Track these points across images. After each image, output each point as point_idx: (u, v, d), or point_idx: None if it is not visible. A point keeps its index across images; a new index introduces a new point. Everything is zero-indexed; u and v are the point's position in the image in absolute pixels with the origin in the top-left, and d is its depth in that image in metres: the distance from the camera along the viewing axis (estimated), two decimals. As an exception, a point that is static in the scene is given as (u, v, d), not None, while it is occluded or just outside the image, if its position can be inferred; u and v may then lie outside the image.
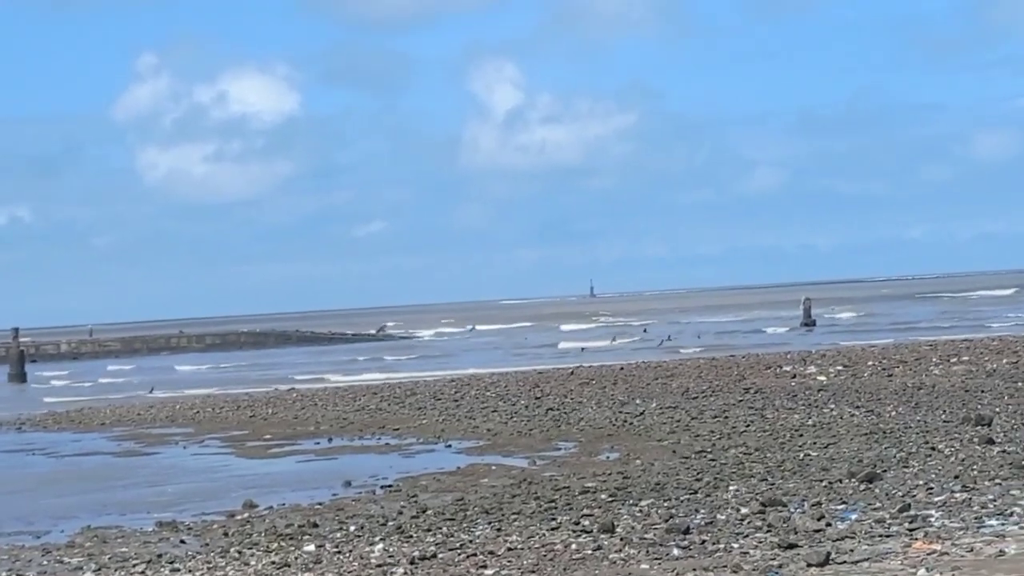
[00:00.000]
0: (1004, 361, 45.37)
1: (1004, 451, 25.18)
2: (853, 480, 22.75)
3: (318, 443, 36.66)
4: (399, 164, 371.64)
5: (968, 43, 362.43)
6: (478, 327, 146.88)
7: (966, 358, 47.60)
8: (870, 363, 47.72)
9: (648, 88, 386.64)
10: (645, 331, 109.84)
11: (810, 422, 32.54)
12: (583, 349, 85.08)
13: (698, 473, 25.31)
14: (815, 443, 28.59)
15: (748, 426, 32.68)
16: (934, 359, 47.82)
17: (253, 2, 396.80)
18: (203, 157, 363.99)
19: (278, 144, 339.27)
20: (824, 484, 22.77)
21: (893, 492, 21.41)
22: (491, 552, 18.65)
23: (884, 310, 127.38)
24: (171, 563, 19.76)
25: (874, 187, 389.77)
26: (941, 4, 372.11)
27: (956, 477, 22.33)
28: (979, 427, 29.02)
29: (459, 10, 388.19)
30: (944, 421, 30.78)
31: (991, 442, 26.44)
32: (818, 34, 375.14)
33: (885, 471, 23.64)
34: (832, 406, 35.60)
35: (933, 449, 26.21)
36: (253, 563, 19.24)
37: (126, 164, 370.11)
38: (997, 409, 32.05)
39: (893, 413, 33.15)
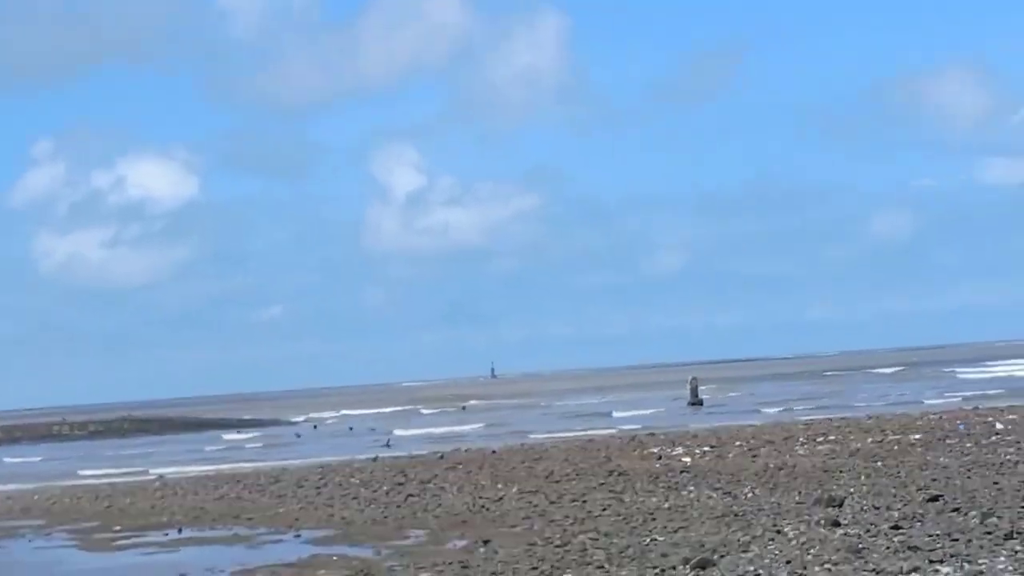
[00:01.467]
0: (869, 440, 45.22)
1: (846, 534, 24.76)
2: (686, 567, 22.22)
3: (167, 534, 35.67)
4: (301, 248, 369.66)
5: (869, 125, 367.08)
6: (347, 412, 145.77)
7: (832, 437, 47.43)
8: (738, 443, 47.43)
9: (551, 171, 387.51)
10: (464, 408, 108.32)
11: (666, 505, 32.07)
12: (388, 440, 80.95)
13: (539, 561, 24.71)
14: (665, 527, 28.08)
15: (604, 510, 32.14)
16: (801, 439, 47.61)
17: (153, 87, 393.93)
18: (100, 243, 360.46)
19: (177, 229, 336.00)
20: (657, 571, 22.22)
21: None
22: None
23: (772, 389, 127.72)
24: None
25: (776, 267, 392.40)
26: (843, 87, 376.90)
27: (788, 562, 21.87)
28: (830, 508, 28.66)
29: (362, 95, 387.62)
30: (797, 502, 30.40)
31: (836, 524, 26.05)
32: (722, 118, 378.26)
33: (723, 556, 23.13)
34: (692, 488, 35.16)
35: (779, 532, 25.76)
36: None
37: (20, 252, 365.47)
38: (852, 490, 31.73)
39: (750, 495, 32.74)
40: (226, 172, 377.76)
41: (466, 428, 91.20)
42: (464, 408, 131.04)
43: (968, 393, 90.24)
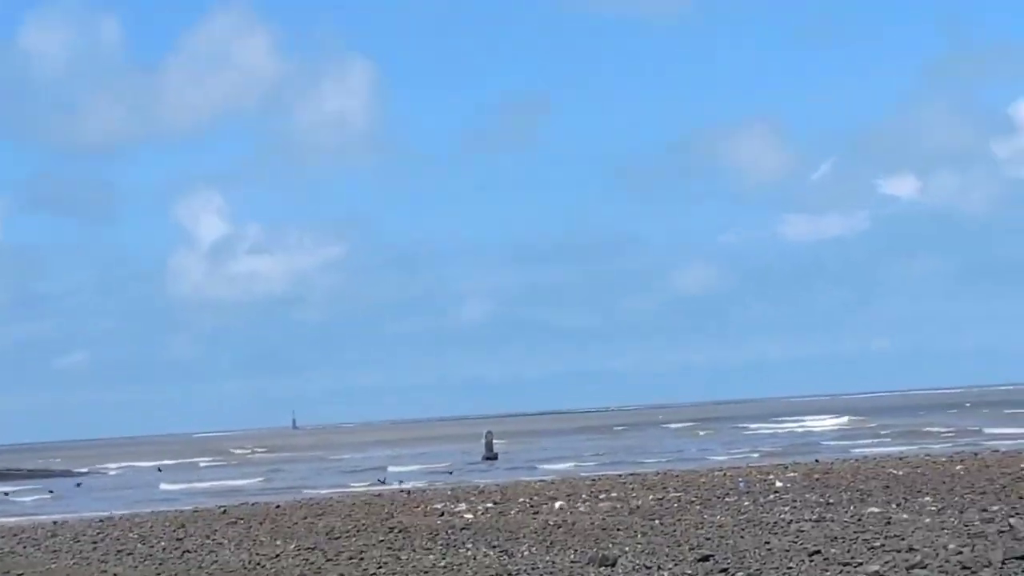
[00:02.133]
0: (651, 497, 45.52)
1: (615, 594, 24.80)
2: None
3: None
4: (103, 294, 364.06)
5: (674, 179, 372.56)
6: (133, 464, 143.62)
7: (615, 494, 47.67)
8: (521, 499, 47.45)
9: (360, 219, 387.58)
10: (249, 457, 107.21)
11: (442, 563, 31.83)
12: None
13: (305, 621, 24.35)
14: (435, 589, 27.86)
15: (380, 567, 31.83)
16: (584, 495, 47.77)
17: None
18: None
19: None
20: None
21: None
22: None
23: (568, 443, 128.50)
24: None
25: (582, 318, 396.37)
26: (650, 140, 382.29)
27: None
28: (602, 568, 28.73)
29: (168, 139, 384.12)
30: (572, 561, 30.38)
31: (607, 584, 26.10)
32: (530, 168, 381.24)
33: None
34: (470, 546, 34.98)
35: (549, 593, 25.73)
36: None
37: None
38: (627, 548, 31.83)
39: (526, 553, 32.67)
40: (28, 214, 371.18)
41: (243, 482, 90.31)
42: (248, 457, 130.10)
43: (756, 449, 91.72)
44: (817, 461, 65.71)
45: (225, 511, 52.16)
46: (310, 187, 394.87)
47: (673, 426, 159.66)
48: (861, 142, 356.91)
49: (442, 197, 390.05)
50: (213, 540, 41.23)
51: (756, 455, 79.09)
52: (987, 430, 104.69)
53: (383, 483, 79.31)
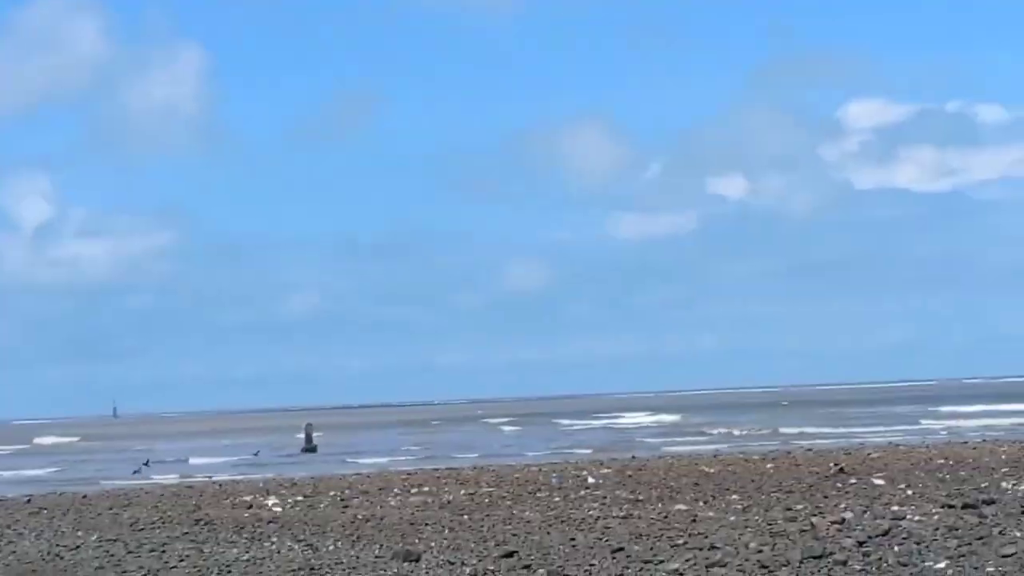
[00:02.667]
0: (463, 492, 45.32)
1: (413, 591, 24.51)
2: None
3: None
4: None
5: (505, 176, 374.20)
6: None
7: (427, 488, 47.42)
8: (332, 493, 47.00)
9: (188, 207, 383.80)
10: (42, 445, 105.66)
11: (245, 557, 31.30)
12: None
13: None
14: (237, 582, 27.35)
15: (181, 561, 31.21)
16: (396, 489, 47.47)
17: None
18: None
19: None
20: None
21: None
22: None
23: (389, 436, 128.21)
24: None
25: (409, 313, 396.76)
26: (481, 136, 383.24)
27: (344, 621, 21.49)
28: (406, 563, 28.46)
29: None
30: (376, 556, 30.06)
31: (407, 580, 25.80)
32: (360, 161, 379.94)
33: (283, 614, 22.58)
34: (275, 539, 34.48)
35: (347, 588, 25.36)
36: None
37: None
38: (432, 544, 31.58)
39: (332, 547, 32.25)
40: None
41: (41, 472, 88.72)
42: (55, 446, 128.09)
43: (575, 445, 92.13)
44: (634, 458, 66.01)
45: (29, 500, 51.00)
46: (137, 173, 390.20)
47: (494, 421, 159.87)
48: (692, 143, 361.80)
49: (271, 188, 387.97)
50: (13, 530, 40.22)
51: (574, 451, 79.31)
52: (802, 429, 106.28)
53: (140, 472, 78.66)
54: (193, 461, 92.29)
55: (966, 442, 67.05)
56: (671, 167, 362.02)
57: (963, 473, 44.50)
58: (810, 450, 66.49)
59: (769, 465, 52.77)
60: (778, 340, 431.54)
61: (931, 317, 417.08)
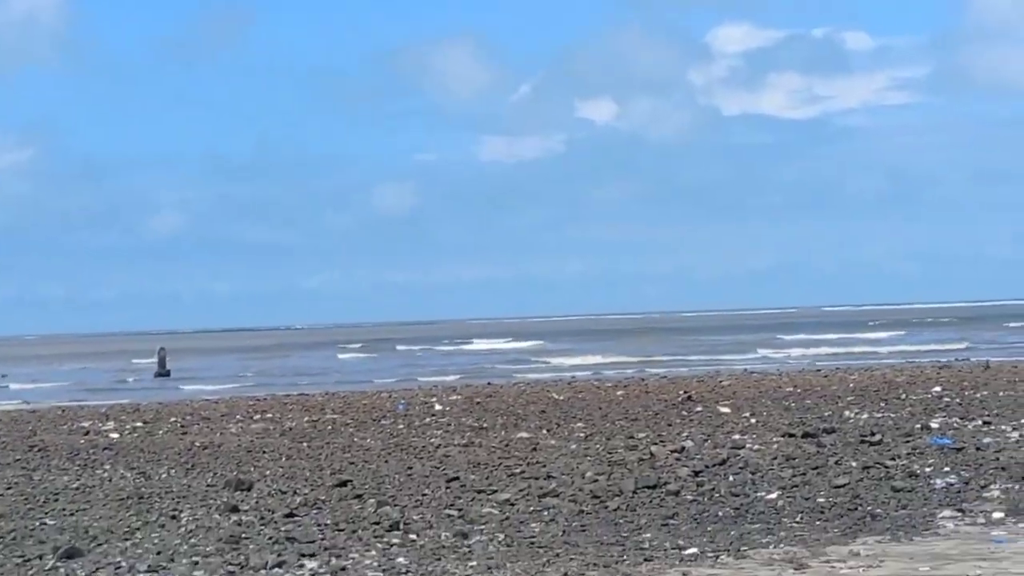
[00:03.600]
0: (306, 419, 44.64)
1: (239, 521, 23.76)
2: (53, 556, 20.77)
3: None
4: None
5: (374, 95, 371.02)
6: None
7: (270, 415, 46.72)
8: (172, 419, 46.14)
9: (48, 125, 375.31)
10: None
11: (75, 485, 30.39)
12: None
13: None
14: (64, 510, 26.34)
15: (9, 488, 30.14)
16: (239, 416, 46.71)
17: None
18: None
19: None
20: (22, 560, 20.75)
21: (91, 571, 19.73)
22: None
23: (246, 362, 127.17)
24: None
25: (279, 235, 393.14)
26: (350, 55, 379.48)
27: (159, 553, 20.80)
28: (237, 492, 27.70)
29: None
30: (208, 485, 29.30)
31: (235, 510, 25.06)
32: (229, 79, 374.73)
33: (100, 544, 21.81)
34: (108, 467, 33.61)
35: (173, 518, 24.56)
36: None
37: None
38: (267, 472, 30.93)
39: (165, 476, 31.48)
40: None
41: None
42: None
43: (432, 372, 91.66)
44: (489, 384, 65.76)
45: None
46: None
47: (351, 346, 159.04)
48: (561, 65, 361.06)
49: (136, 106, 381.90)
50: None
51: (429, 379, 78.85)
52: (659, 357, 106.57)
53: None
54: (39, 385, 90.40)
55: (819, 370, 67.42)
56: (541, 89, 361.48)
57: (809, 402, 44.59)
58: (664, 377, 66.48)
59: (620, 392, 52.62)
60: (645, 265, 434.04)
61: (797, 244, 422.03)
